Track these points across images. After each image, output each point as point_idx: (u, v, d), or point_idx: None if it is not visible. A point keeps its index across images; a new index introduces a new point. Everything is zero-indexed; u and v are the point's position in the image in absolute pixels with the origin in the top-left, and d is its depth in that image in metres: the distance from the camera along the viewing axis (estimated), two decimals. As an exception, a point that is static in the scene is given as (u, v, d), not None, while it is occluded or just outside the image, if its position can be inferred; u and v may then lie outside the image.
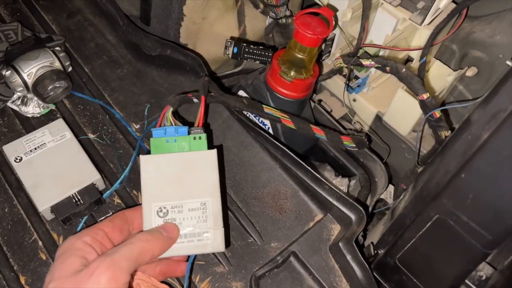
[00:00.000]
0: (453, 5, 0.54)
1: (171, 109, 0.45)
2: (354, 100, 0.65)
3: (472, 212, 0.35)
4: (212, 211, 0.41)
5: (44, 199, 0.47)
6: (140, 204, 0.41)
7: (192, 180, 0.41)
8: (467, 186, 0.34)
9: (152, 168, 0.41)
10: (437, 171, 0.38)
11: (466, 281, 0.39)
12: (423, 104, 0.49)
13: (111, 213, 0.49)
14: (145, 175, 0.41)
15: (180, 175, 0.41)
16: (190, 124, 0.45)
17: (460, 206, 0.35)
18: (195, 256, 0.44)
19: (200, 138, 0.43)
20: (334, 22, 0.50)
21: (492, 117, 0.31)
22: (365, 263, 0.45)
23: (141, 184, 0.41)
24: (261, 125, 0.57)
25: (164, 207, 0.40)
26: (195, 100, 0.49)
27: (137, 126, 0.55)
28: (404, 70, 0.49)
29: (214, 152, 0.42)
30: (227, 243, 0.42)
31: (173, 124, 0.45)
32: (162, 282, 0.42)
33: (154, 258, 0.38)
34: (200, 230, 0.40)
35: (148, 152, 0.50)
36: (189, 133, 0.43)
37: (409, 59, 0.64)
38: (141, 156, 0.42)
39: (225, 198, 0.50)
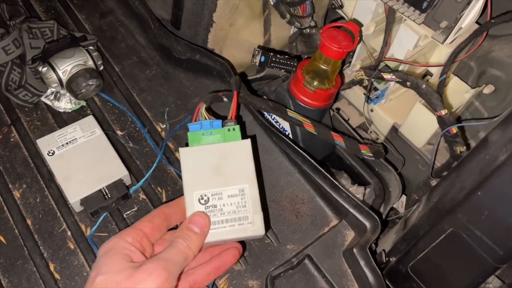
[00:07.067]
0: (475, 25, 0.56)
1: (205, 105, 0.47)
2: (372, 111, 0.67)
3: (486, 227, 0.36)
4: (250, 197, 0.42)
5: (75, 192, 0.49)
6: (174, 199, 0.43)
7: (229, 169, 0.43)
8: (482, 203, 0.35)
9: (191, 159, 0.43)
10: (453, 186, 0.39)
11: (475, 292, 0.41)
12: (440, 120, 0.50)
13: (136, 208, 0.51)
14: (185, 166, 0.43)
15: (218, 164, 0.43)
16: (223, 118, 0.46)
17: (474, 221, 0.36)
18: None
19: (234, 129, 0.45)
20: (359, 37, 0.52)
21: (510, 140, 0.33)
22: (378, 269, 0.47)
23: (182, 175, 0.42)
24: (282, 131, 0.59)
25: (205, 195, 0.42)
26: (225, 99, 0.51)
27: (163, 126, 0.57)
28: (424, 86, 0.51)
29: (248, 141, 0.44)
30: (267, 227, 0.44)
31: (207, 118, 0.47)
32: None
33: (196, 255, 0.39)
34: (241, 215, 0.42)
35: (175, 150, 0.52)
36: (223, 126, 0.45)
37: (427, 73, 0.66)
38: (180, 148, 0.43)
39: (262, 184, 0.51)
